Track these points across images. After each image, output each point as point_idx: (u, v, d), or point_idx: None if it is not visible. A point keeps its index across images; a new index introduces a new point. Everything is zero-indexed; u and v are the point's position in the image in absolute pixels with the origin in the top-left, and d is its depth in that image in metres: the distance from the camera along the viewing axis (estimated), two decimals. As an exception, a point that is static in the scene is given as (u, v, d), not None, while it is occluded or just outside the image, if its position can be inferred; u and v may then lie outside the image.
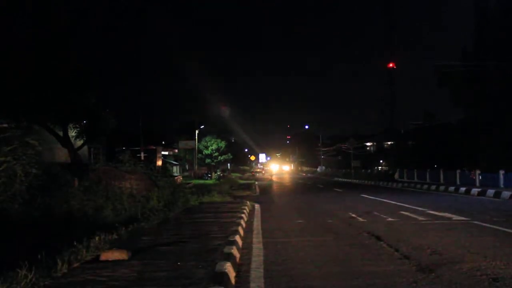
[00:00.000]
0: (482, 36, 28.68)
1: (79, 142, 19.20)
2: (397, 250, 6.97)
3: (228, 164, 64.29)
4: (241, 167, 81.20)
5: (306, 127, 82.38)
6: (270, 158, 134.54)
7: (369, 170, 50.12)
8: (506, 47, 26.39)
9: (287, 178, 54.29)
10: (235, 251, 6.57)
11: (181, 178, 33.51)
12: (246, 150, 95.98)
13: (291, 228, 10.01)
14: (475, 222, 10.24)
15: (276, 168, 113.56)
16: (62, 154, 18.70)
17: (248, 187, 30.52)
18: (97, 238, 7.33)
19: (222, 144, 51.74)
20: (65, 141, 18.19)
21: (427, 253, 6.70)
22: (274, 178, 55.87)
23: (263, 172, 75.52)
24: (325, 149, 67.46)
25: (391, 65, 42.41)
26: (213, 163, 50.68)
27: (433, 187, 24.80)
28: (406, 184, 29.16)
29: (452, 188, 22.51)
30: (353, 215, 12.03)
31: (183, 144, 46.51)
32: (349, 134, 61.92)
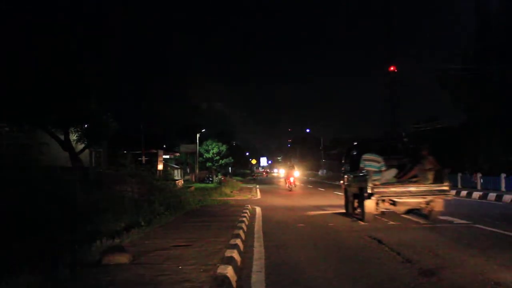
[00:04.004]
0: (483, 37, 28.73)
1: (80, 146, 19.20)
2: (398, 254, 6.95)
3: (229, 168, 64.28)
4: (242, 170, 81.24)
5: (307, 130, 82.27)
6: (271, 161, 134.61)
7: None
8: (507, 48, 26.42)
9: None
10: (236, 255, 6.57)
11: (183, 182, 33.53)
12: (247, 153, 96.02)
13: (292, 231, 10.01)
14: (477, 225, 10.22)
15: (282, 172, 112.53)
16: (63, 158, 18.70)
17: (249, 190, 30.49)
18: (98, 241, 7.33)
19: (223, 147, 51.74)
20: (66, 145, 18.20)
21: (429, 257, 6.69)
22: (275, 182, 55.74)
23: (265, 175, 75.49)
24: (327, 152, 67.44)
25: (392, 68, 42.49)
26: (214, 167, 50.67)
27: (435, 190, 24.71)
28: (407, 188, 29.02)
29: (453, 192, 22.44)
30: (355, 218, 12.01)
31: (184, 147, 46.59)
32: (350, 137, 61.90)
